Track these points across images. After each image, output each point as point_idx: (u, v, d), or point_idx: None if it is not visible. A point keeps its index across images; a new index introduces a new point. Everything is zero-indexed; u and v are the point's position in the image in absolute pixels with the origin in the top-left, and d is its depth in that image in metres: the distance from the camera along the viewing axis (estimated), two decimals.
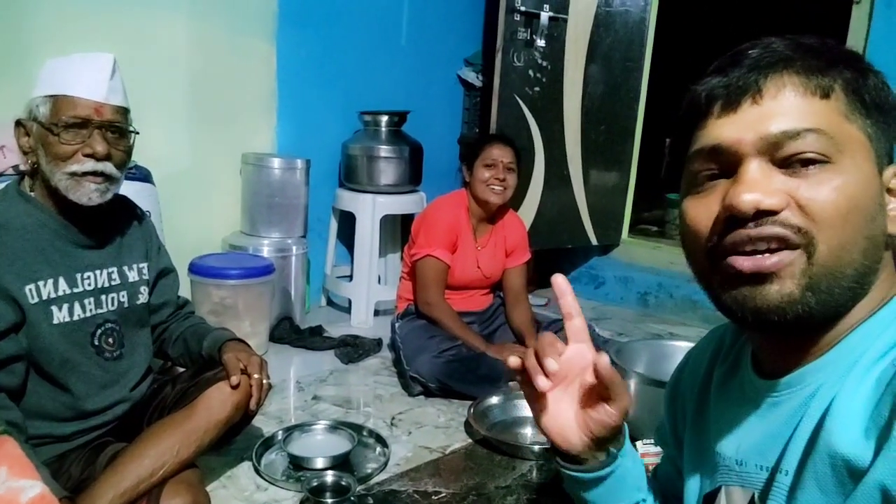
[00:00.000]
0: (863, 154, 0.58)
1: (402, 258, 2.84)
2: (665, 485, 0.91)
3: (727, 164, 0.60)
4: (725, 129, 0.60)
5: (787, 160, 0.58)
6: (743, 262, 0.58)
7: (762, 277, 0.58)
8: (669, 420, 0.87)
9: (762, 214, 0.57)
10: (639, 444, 1.72)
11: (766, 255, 0.57)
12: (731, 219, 0.59)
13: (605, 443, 0.76)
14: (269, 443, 1.84)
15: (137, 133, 1.46)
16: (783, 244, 0.57)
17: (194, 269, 2.40)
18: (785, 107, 0.58)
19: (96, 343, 1.45)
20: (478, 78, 3.56)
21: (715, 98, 0.61)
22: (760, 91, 0.59)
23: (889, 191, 0.61)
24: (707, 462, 0.73)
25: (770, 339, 0.66)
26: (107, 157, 1.36)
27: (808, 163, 0.57)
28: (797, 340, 0.63)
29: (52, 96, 1.34)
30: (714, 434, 0.72)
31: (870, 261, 0.59)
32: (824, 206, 0.56)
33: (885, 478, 0.50)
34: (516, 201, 2.95)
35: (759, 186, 0.57)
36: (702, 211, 0.62)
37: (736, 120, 0.60)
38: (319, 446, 1.84)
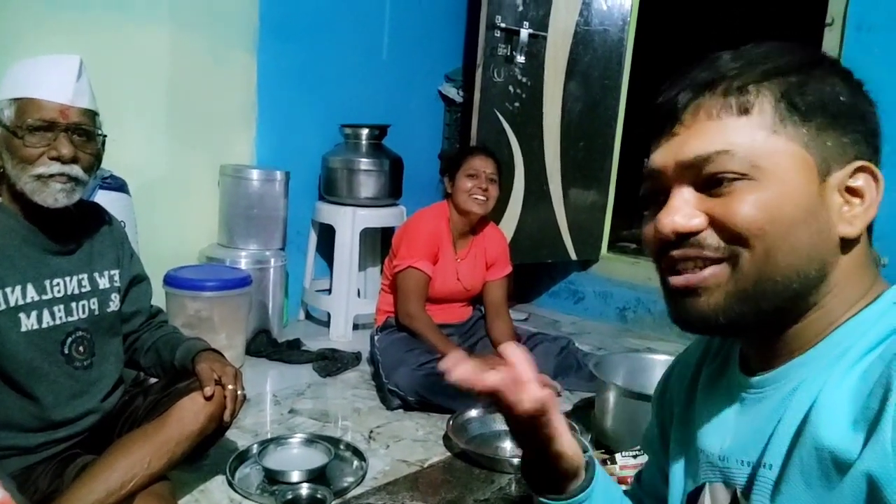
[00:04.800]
0: (790, 163, 0.59)
1: (381, 271, 2.83)
2: (649, 489, 0.90)
3: (662, 187, 0.64)
4: (657, 156, 0.65)
5: (707, 182, 0.61)
6: (675, 280, 0.63)
7: (692, 291, 0.62)
8: (657, 422, 0.87)
9: (685, 236, 0.61)
10: (618, 455, 1.71)
11: (695, 271, 0.62)
12: (661, 240, 0.63)
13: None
14: (243, 456, 1.80)
15: (105, 136, 1.44)
16: (707, 261, 0.61)
17: (169, 280, 2.36)
18: (698, 131, 0.61)
19: (66, 351, 1.42)
20: (458, 93, 3.58)
21: (653, 123, 0.66)
22: (679, 118, 0.63)
23: (849, 190, 0.61)
24: (691, 460, 0.73)
25: (749, 339, 0.67)
26: (73, 160, 1.33)
27: (725, 182, 0.59)
28: (779, 339, 0.63)
29: (16, 99, 1.32)
30: (699, 432, 0.72)
31: (813, 263, 0.59)
32: (736, 221, 0.59)
33: (872, 466, 0.50)
34: (496, 215, 2.96)
35: (678, 211, 0.61)
36: (648, 231, 0.66)
37: (663, 147, 0.64)
38: (295, 460, 1.81)
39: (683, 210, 0.61)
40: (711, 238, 0.60)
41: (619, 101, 3.48)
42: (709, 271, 0.61)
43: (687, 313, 0.63)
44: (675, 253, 0.62)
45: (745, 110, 0.60)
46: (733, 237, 0.59)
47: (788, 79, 0.60)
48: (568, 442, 0.70)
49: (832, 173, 0.60)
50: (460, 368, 0.64)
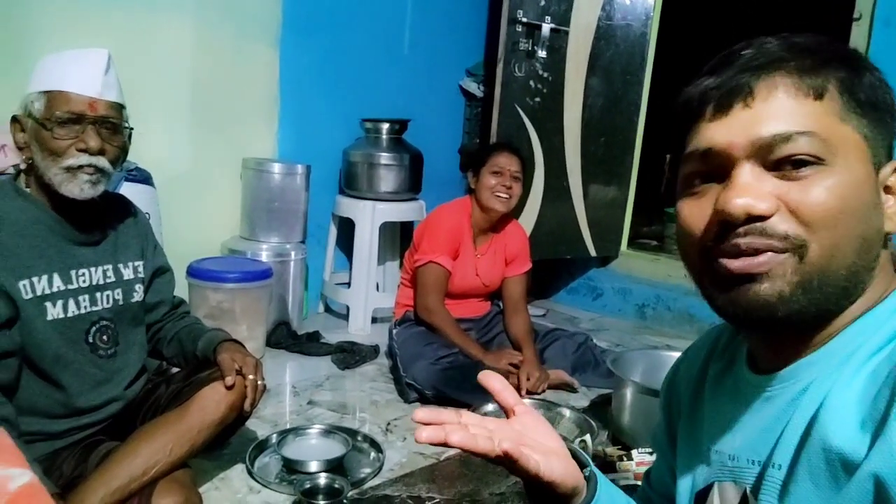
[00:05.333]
0: (857, 155, 0.58)
1: (401, 265, 2.84)
2: (659, 488, 0.90)
3: (719, 166, 0.60)
4: (717, 132, 0.60)
5: (779, 163, 0.57)
6: (733, 263, 0.58)
7: (753, 277, 0.58)
8: (665, 419, 0.86)
9: (753, 219, 0.57)
10: (634, 452, 1.71)
11: (756, 255, 0.57)
12: (724, 222, 0.58)
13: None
14: (262, 446, 1.83)
15: (132, 129, 1.46)
16: (768, 251, 0.57)
17: (192, 272, 2.40)
18: (777, 109, 0.57)
19: (90, 340, 1.44)
20: (479, 88, 3.57)
21: (707, 100, 0.61)
22: (752, 93, 0.58)
23: (887, 188, 0.60)
24: (700, 459, 0.72)
25: (764, 337, 0.66)
26: (100, 152, 1.35)
27: (800, 165, 0.57)
28: (792, 338, 0.62)
29: (46, 92, 1.34)
30: (707, 431, 0.72)
31: (863, 260, 0.58)
32: (814, 208, 0.56)
33: (879, 467, 0.50)
34: (516, 211, 2.95)
35: (750, 191, 0.57)
36: (695, 213, 0.62)
37: (728, 123, 0.59)
38: (313, 450, 1.83)
39: (756, 190, 0.57)
40: (782, 225, 0.56)
41: (642, 97, 3.45)
42: (771, 257, 0.57)
43: (747, 300, 0.58)
44: (742, 241, 0.57)
45: (819, 94, 0.57)
46: (805, 224, 0.56)
47: (846, 70, 0.59)
48: (558, 470, 0.66)
49: (881, 169, 0.60)
50: (427, 430, 0.62)
